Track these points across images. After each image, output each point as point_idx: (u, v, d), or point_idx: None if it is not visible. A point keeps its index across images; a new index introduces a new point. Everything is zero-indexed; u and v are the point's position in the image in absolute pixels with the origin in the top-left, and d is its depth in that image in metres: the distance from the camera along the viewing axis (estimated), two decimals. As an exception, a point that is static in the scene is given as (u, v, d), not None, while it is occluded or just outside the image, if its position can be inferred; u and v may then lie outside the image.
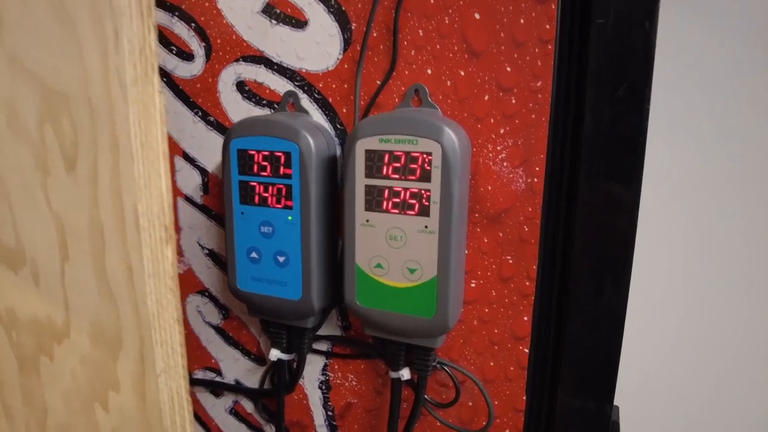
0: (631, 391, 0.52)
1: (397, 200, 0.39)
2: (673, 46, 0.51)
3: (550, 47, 0.38)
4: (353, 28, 0.42)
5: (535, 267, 0.41)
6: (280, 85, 0.46)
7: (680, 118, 0.52)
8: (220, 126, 0.49)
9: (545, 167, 0.40)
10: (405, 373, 0.44)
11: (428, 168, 0.38)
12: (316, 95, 0.45)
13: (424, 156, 0.37)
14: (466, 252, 0.43)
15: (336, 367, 0.50)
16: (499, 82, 0.39)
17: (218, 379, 0.55)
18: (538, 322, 0.43)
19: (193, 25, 0.48)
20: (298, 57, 0.45)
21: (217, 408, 0.57)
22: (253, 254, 0.44)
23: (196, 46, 0.48)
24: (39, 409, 0.37)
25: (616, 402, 0.43)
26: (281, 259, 0.43)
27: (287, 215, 0.42)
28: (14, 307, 0.35)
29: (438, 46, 0.40)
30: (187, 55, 0.49)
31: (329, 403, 0.51)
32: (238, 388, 0.55)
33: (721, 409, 0.57)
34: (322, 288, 0.44)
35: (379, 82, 0.42)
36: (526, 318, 0.42)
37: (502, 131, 0.40)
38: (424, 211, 0.38)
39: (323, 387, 0.51)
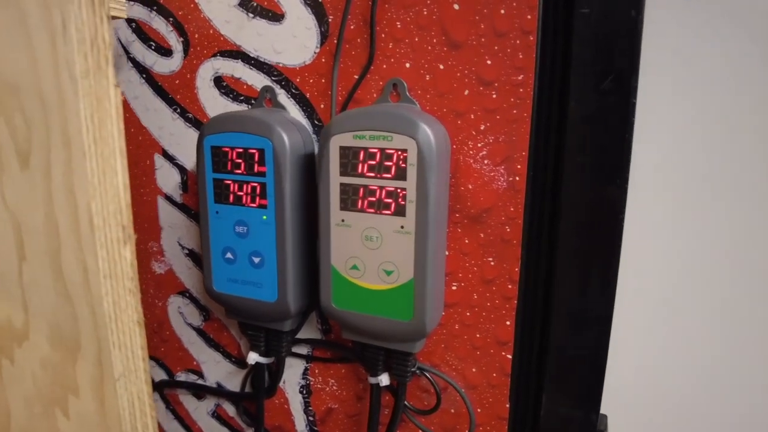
0: (621, 399, 0.50)
1: (372, 199, 0.38)
2: (663, 39, 0.49)
3: (532, 38, 0.36)
4: (330, 20, 0.41)
5: (518, 269, 0.39)
6: (258, 81, 0.44)
7: (669, 113, 0.50)
8: (198, 123, 0.48)
9: (527, 165, 0.38)
10: (384, 379, 0.42)
11: (403, 165, 0.36)
12: (293, 90, 0.43)
13: (399, 153, 0.36)
14: (447, 253, 0.41)
15: (317, 371, 0.48)
16: (479, 75, 0.38)
17: (200, 381, 0.54)
18: (522, 327, 0.41)
19: (171, 19, 0.47)
20: (275, 51, 0.43)
21: (200, 411, 0.55)
22: (229, 255, 0.43)
23: (174, 41, 0.47)
24: (3, 413, 0.36)
25: (604, 411, 0.41)
26: (256, 260, 0.42)
27: (262, 215, 0.41)
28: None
29: (416, 39, 0.39)
30: (165, 51, 0.48)
31: (310, 408, 0.49)
32: (218, 391, 0.53)
33: (716, 419, 0.55)
34: (298, 290, 0.43)
35: (356, 77, 0.41)
36: (509, 322, 0.41)
37: (482, 127, 0.38)
38: (400, 211, 0.37)
39: (304, 391, 0.49)
